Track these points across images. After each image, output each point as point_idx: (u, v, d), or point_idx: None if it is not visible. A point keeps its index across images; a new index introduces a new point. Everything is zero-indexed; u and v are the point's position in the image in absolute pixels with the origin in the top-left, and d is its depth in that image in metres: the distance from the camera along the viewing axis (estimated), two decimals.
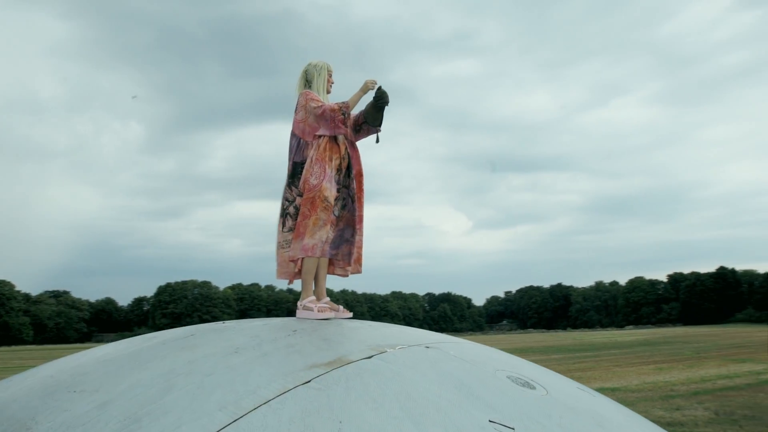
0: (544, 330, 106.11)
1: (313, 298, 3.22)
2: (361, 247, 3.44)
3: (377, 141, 3.50)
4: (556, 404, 2.15)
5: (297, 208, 3.30)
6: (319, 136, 3.33)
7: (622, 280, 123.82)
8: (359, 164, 3.47)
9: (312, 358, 2.11)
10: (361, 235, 3.43)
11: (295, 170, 3.34)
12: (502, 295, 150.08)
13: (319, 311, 3.10)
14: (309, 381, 1.89)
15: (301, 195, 3.27)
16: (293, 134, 3.44)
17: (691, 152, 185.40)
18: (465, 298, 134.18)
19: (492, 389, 2.10)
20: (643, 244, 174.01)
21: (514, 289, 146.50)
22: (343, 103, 3.33)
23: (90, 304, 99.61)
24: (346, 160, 3.40)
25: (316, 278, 3.28)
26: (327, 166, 3.27)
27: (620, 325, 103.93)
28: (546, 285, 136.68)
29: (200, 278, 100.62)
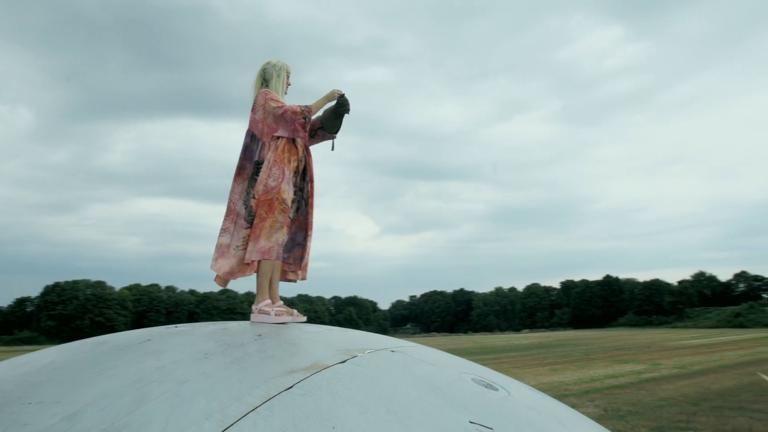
0: (446, 333, 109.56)
1: (269, 301, 3.14)
2: (309, 254, 3.42)
3: (332, 148, 3.50)
4: (520, 405, 2.26)
5: (249, 209, 3.21)
6: (278, 138, 3.27)
7: (520, 287, 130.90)
8: (311, 169, 3.44)
9: (288, 363, 2.07)
10: (311, 241, 3.42)
11: (255, 170, 3.25)
12: (407, 299, 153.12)
13: (276, 315, 3.04)
14: (291, 387, 1.85)
15: (254, 197, 3.19)
16: (248, 133, 3.35)
17: (583, 168, 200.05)
18: (371, 301, 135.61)
19: (463, 391, 2.17)
20: (539, 252, 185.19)
21: (418, 294, 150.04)
22: (306, 107, 3.29)
23: None
24: (303, 163, 3.37)
25: (270, 282, 3.20)
26: (286, 168, 3.22)
27: (517, 329, 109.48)
28: (449, 290, 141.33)
29: (93, 278, 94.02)
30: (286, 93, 3.49)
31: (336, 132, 3.44)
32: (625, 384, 18.98)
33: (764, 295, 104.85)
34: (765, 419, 12.57)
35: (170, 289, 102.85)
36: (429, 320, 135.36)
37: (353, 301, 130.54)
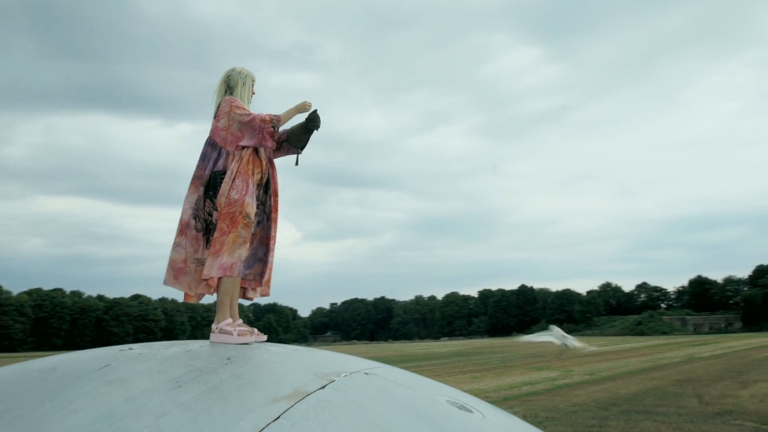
0: (367, 341, 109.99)
1: (231, 320, 2.98)
2: (272, 269, 3.30)
3: (297, 164, 3.39)
4: (495, 426, 2.28)
5: (214, 224, 3.05)
6: (243, 148, 3.13)
7: (440, 295, 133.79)
8: (275, 183, 3.33)
9: (267, 390, 1.95)
10: (273, 256, 3.30)
11: (215, 180, 3.10)
12: (327, 306, 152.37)
13: (238, 335, 2.88)
14: (278, 417, 1.74)
15: (216, 209, 3.03)
16: (208, 141, 3.19)
17: (500, 181, 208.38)
18: (291, 309, 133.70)
19: (443, 415, 2.14)
20: (458, 262, 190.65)
21: (339, 301, 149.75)
22: (275, 115, 3.17)
23: None
24: (266, 176, 3.25)
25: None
26: (250, 181, 3.08)
27: (436, 337, 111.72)
28: (370, 298, 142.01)
29: None
30: (250, 102, 3.36)
31: (302, 147, 3.34)
32: (541, 391, 19.77)
33: (662, 305, 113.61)
34: (668, 422, 13.52)
35: (76, 294, 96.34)
36: (349, 328, 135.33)
37: (273, 309, 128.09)
